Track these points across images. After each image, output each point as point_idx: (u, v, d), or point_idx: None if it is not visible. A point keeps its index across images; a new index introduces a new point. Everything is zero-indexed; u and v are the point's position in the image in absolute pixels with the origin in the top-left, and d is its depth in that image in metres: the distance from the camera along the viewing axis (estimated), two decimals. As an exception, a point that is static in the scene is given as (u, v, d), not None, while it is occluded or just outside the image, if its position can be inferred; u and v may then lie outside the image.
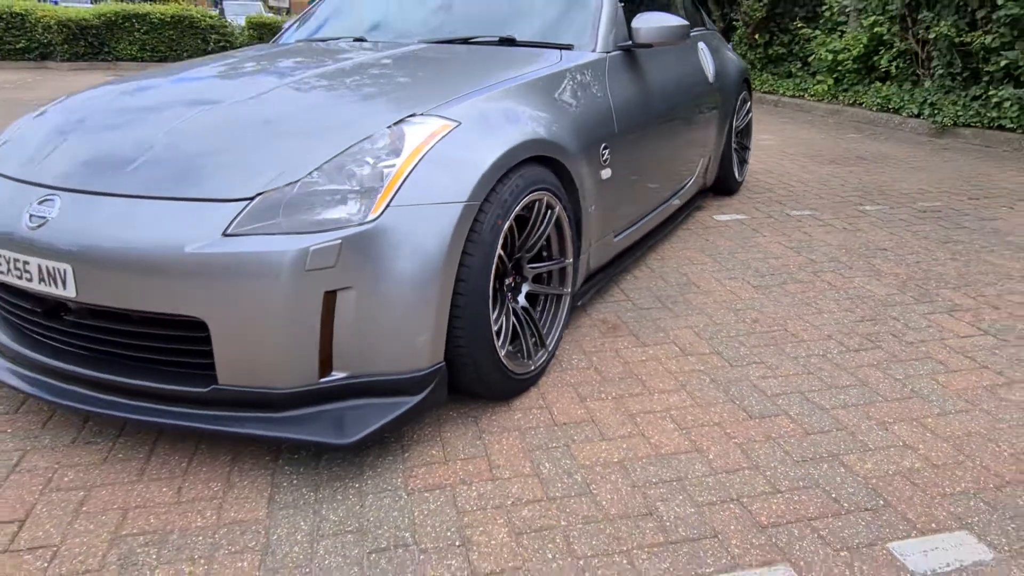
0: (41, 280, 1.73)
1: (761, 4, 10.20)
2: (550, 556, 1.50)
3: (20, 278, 1.77)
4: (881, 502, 1.65)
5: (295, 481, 1.75)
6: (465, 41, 2.69)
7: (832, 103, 8.45)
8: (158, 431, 1.93)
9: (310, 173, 1.70)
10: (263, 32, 15.04)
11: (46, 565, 1.49)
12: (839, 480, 1.73)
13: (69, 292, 1.71)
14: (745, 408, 2.05)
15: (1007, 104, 6.23)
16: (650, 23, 2.74)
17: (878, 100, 7.73)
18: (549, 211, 2.12)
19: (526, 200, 1.97)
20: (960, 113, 6.64)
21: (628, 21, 2.84)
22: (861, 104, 8.02)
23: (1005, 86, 6.29)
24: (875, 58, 8.05)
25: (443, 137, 1.82)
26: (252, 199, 1.66)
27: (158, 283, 1.63)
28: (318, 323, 1.66)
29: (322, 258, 1.61)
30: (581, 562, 1.48)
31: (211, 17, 15.26)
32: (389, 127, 1.83)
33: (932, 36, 6.89)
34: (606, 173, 2.49)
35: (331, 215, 1.66)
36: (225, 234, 1.62)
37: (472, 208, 1.78)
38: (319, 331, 1.66)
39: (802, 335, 2.52)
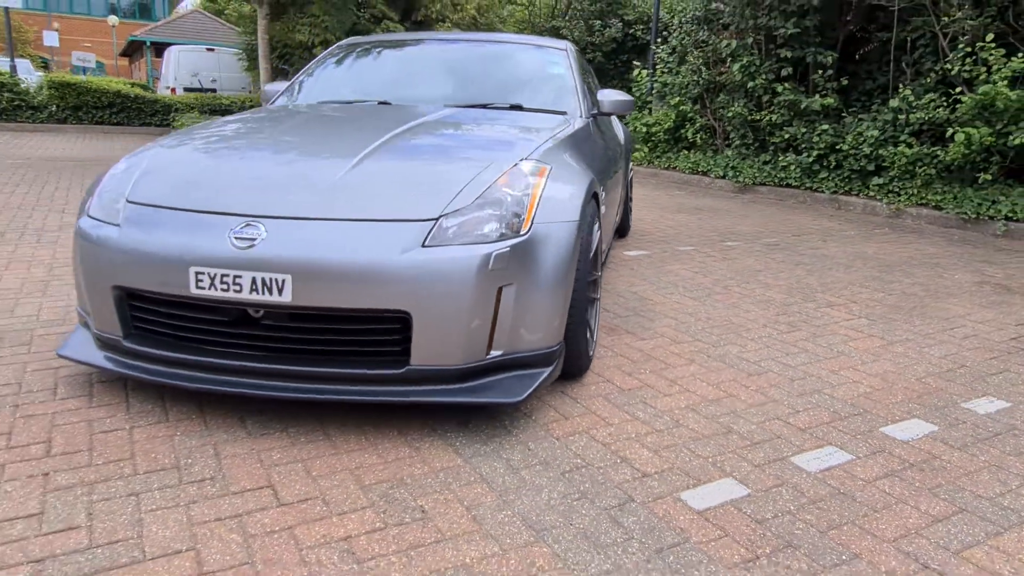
0: (253, 290, 2.08)
1: (580, 83, 11.73)
2: (687, 459, 2.14)
3: (228, 290, 2.09)
4: (861, 410, 2.51)
5: (463, 441, 2.22)
6: (484, 106, 3.33)
7: (650, 167, 10.01)
8: (320, 419, 2.29)
9: (473, 201, 2.24)
10: (66, 92, 14.16)
11: (324, 508, 1.84)
12: (829, 402, 2.57)
13: (285, 298, 2.07)
14: (743, 370, 2.85)
15: (791, 167, 7.98)
16: (611, 97, 3.58)
17: (689, 164, 9.36)
18: (596, 234, 2.80)
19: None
20: (756, 175, 8.33)
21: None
22: (675, 168, 9.63)
23: (788, 154, 8.06)
24: (682, 131, 9.74)
25: (549, 174, 2.45)
26: (437, 219, 2.17)
27: (371, 286, 2.07)
28: (491, 311, 2.19)
29: (500, 261, 2.16)
30: (710, 460, 2.14)
31: (1, 74, 14.06)
32: (510, 169, 2.42)
33: (729, 115, 8.61)
34: (603, 209, 3.23)
35: (493, 230, 2.21)
36: (423, 245, 2.11)
37: (579, 226, 2.42)
38: (491, 318, 2.19)
39: (748, 326, 3.40)
